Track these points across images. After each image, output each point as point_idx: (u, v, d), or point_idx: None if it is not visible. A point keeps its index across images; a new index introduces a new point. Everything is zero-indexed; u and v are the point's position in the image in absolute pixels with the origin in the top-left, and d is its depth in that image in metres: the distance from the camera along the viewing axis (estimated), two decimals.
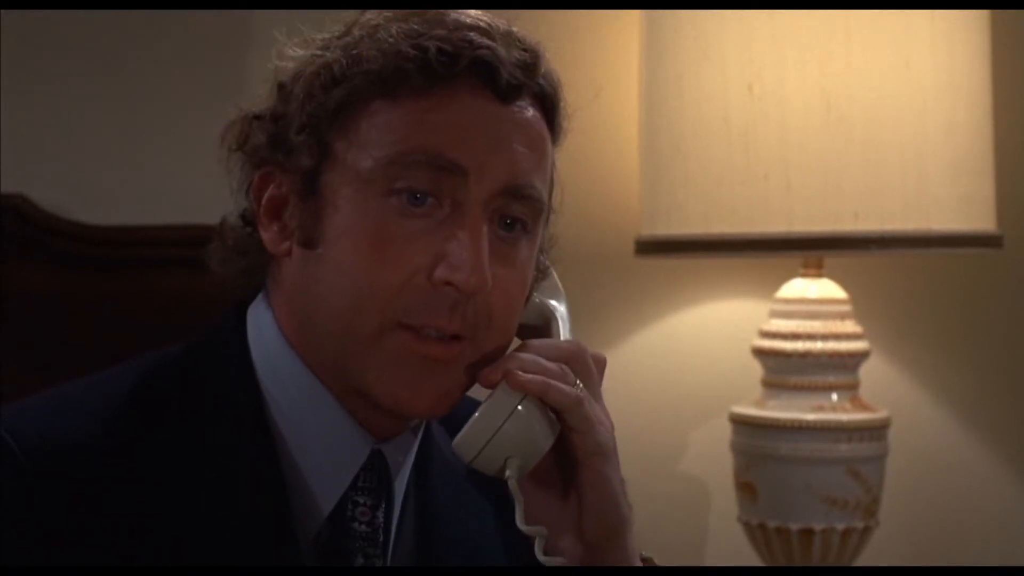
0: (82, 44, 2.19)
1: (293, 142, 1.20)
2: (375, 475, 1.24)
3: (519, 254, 1.21)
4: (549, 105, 1.23)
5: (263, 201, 1.23)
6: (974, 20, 2.10)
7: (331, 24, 1.26)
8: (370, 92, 1.18)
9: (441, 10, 1.20)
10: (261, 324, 1.24)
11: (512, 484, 1.20)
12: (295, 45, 1.24)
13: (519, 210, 1.20)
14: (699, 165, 2.07)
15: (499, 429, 1.20)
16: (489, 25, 1.20)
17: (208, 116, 2.14)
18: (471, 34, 1.18)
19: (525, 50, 1.21)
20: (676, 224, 2.10)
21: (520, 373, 1.20)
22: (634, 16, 2.23)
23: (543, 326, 1.28)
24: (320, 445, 1.22)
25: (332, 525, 1.23)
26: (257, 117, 1.24)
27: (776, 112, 2.03)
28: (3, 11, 2.13)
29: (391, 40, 1.18)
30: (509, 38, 1.20)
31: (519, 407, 1.20)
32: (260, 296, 1.26)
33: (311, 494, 1.22)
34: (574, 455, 1.23)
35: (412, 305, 1.17)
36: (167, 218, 2.12)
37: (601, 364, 1.26)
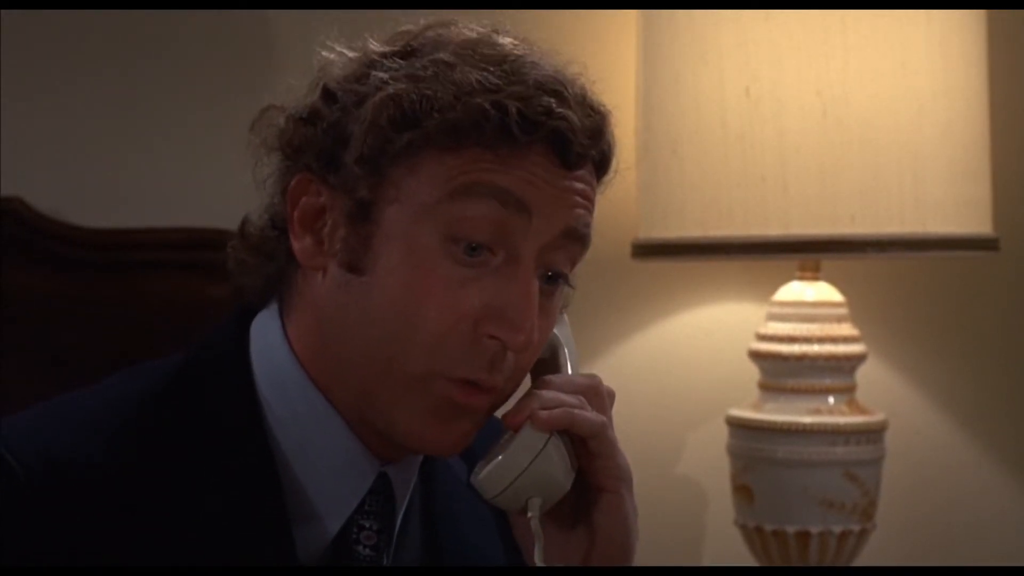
0: (80, 47, 2.19)
1: (349, 167, 1.17)
2: (381, 498, 1.23)
3: (554, 304, 1.22)
4: (603, 170, 1.23)
5: (297, 207, 1.20)
6: (971, 21, 2.10)
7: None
8: (440, 138, 1.16)
9: (516, 57, 1.18)
10: (269, 337, 1.22)
11: (535, 523, 1.21)
12: (341, 44, 1.22)
13: (566, 259, 1.20)
14: (696, 168, 2.07)
15: (524, 470, 1.20)
16: (565, 88, 1.18)
17: (206, 119, 2.18)
18: (551, 101, 1.17)
19: (593, 116, 1.20)
20: (673, 227, 2.10)
21: (544, 413, 1.20)
22: (631, 17, 2.22)
23: (550, 358, 1.27)
24: (326, 467, 1.20)
25: (336, 549, 1.22)
26: (301, 119, 1.20)
27: (773, 115, 2.03)
28: (3, 11, 2.12)
29: (468, 90, 1.16)
30: (583, 104, 1.19)
31: (544, 448, 1.20)
32: (271, 307, 1.24)
33: (315, 517, 1.20)
34: (594, 483, 1.23)
35: (456, 356, 1.16)
36: (164, 221, 2.12)
37: (611, 398, 1.26)
